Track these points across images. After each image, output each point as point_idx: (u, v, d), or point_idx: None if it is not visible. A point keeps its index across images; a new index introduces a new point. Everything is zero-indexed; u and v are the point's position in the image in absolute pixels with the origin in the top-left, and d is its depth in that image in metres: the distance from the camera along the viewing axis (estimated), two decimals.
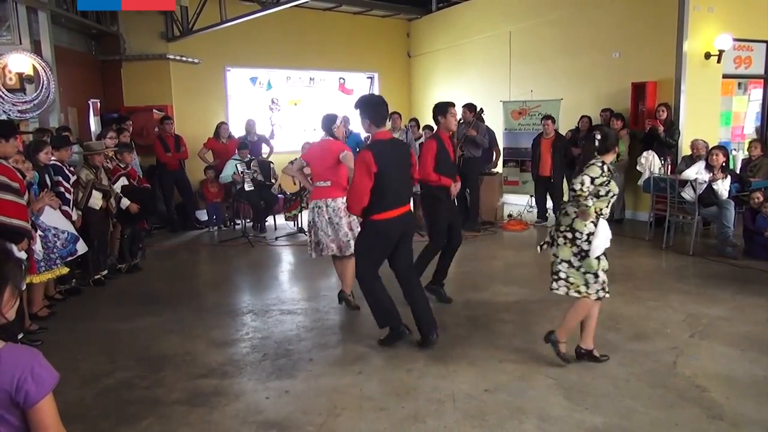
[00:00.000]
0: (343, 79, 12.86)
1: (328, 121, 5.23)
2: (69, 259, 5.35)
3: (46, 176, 5.33)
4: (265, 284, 6.36)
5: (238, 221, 9.30)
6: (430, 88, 13.05)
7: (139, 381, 3.86)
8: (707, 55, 8.36)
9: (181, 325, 4.95)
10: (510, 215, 9.57)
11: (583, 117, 9.15)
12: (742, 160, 8.48)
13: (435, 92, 12.83)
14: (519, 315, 4.97)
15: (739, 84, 9.29)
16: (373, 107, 4.25)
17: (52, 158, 5.45)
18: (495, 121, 9.78)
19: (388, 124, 4.08)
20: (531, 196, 9.68)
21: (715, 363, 3.91)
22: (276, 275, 6.81)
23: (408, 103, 13.33)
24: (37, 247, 4.76)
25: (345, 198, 4.81)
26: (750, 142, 8.06)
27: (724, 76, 8.69)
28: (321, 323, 4.92)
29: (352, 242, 4.88)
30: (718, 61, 8.39)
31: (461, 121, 8.72)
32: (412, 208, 4.45)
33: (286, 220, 9.39)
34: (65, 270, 5.20)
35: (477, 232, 8.45)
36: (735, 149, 9.14)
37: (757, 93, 9.40)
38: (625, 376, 3.72)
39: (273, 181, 9.29)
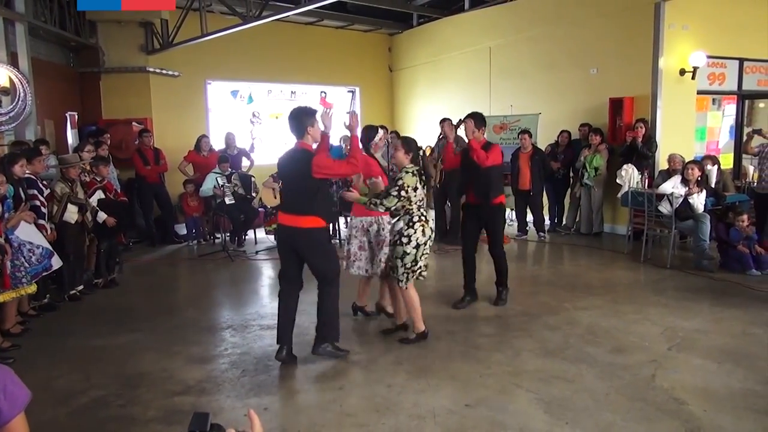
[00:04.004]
0: (325, 92, 12.87)
1: (368, 135, 5.23)
2: (44, 274, 5.24)
3: (20, 189, 5.23)
4: (244, 299, 6.30)
5: (218, 235, 9.22)
6: (411, 102, 13.14)
7: (114, 399, 3.78)
8: (682, 72, 8.53)
9: (158, 341, 4.87)
10: None
11: (563, 132, 9.29)
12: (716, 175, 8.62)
13: (416, 106, 12.92)
14: (499, 329, 4.97)
15: (714, 100, 9.50)
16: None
17: (27, 171, 5.36)
18: None
19: (307, 137, 4.15)
20: (511, 209, 9.73)
21: (693, 376, 3.95)
22: (256, 290, 6.75)
23: (390, 117, 13.38)
24: (8, 263, 4.66)
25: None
26: (702, 159, 7.81)
27: (699, 92, 8.87)
28: (300, 338, 4.85)
29: (357, 263, 5.03)
30: (693, 78, 8.57)
31: (441, 136, 8.78)
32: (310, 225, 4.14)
33: (266, 233, 9.32)
34: (31, 289, 5.01)
35: (458, 246, 8.45)
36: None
37: (730, 109, 9.61)
38: (604, 389, 3.73)
39: (254, 194, 9.25)
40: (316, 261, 4.23)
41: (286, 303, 4.32)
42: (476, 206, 5.51)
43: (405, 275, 4.51)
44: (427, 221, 4.57)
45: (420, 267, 4.57)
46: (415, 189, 4.45)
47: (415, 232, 4.46)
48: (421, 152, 8.28)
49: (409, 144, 4.61)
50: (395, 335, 4.79)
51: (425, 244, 4.54)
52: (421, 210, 4.54)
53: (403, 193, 4.37)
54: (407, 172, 4.44)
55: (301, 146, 4.18)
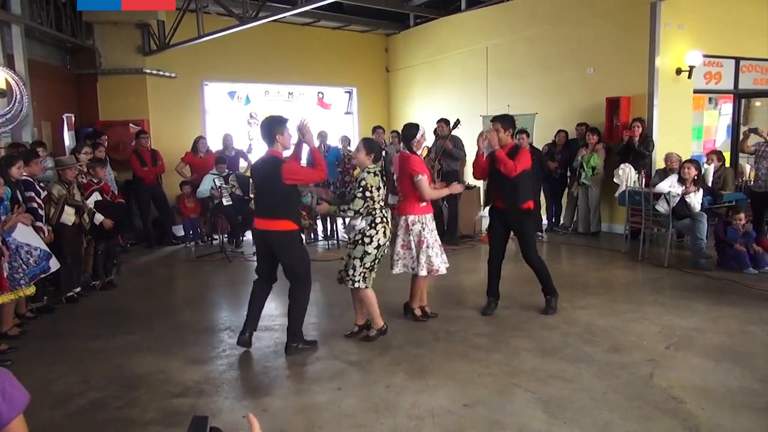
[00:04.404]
0: (322, 93, 12.89)
1: (410, 133, 5.14)
2: (42, 276, 5.23)
3: (17, 192, 5.22)
4: (242, 300, 6.24)
5: (216, 236, 9.21)
6: (408, 103, 13.14)
7: (112, 401, 3.77)
8: (678, 71, 8.55)
9: (156, 343, 4.87)
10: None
11: (560, 131, 9.30)
12: (713, 173, 8.64)
13: (413, 107, 12.93)
14: (497, 328, 4.97)
15: (710, 99, 9.52)
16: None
17: (24, 174, 5.34)
18: (476, 135, 9.86)
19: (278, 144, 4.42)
20: None
21: (691, 374, 3.95)
22: None
23: (387, 118, 13.39)
24: (6, 265, 4.65)
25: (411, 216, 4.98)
26: (707, 155, 8.23)
27: (695, 92, 8.89)
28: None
29: (401, 262, 5.02)
30: (689, 77, 8.59)
31: (438, 135, 8.79)
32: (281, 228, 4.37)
33: None
34: (30, 291, 4.98)
35: (455, 246, 8.48)
36: (707, 163, 9.32)
37: (727, 108, 9.63)
38: (602, 388, 3.74)
39: (251, 195, 9.23)
40: (288, 261, 4.47)
41: (256, 296, 4.66)
42: (502, 211, 5.27)
43: (362, 275, 4.57)
44: (388, 222, 4.65)
45: (374, 270, 4.66)
46: (378, 189, 4.56)
47: (377, 233, 4.54)
48: (423, 152, 8.20)
49: (371, 145, 4.69)
50: (372, 336, 4.78)
51: (384, 245, 4.63)
52: (383, 211, 4.62)
53: (367, 193, 4.49)
54: (369, 173, 4.56)
55: (271, 153, 4.42)
